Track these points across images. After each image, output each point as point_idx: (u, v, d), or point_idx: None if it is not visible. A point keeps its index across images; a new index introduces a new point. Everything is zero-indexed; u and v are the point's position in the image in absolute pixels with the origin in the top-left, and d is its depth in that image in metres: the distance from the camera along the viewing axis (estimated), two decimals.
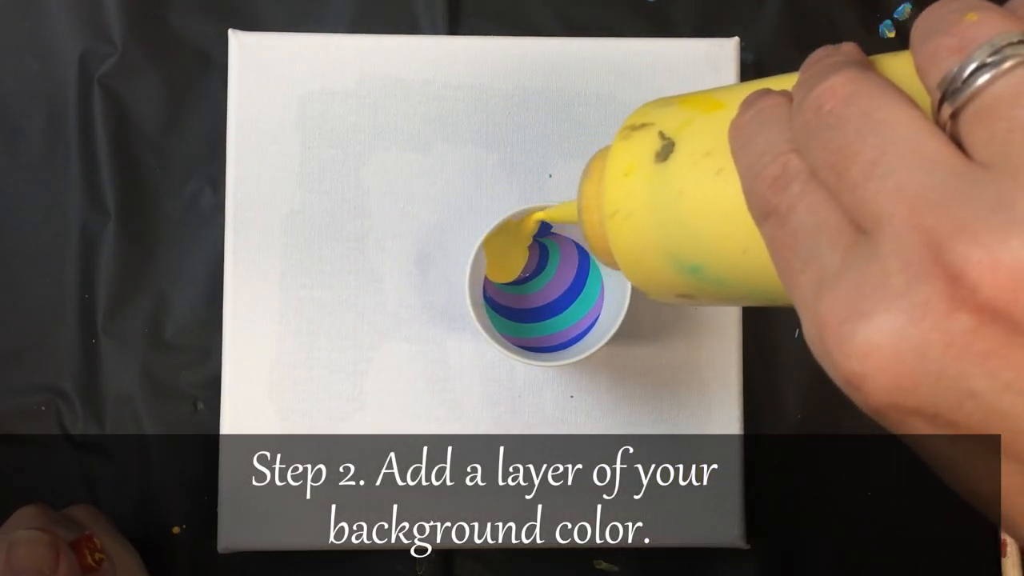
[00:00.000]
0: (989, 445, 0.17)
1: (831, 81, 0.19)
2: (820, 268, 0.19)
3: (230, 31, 0.47)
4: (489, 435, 0.46)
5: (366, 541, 0.46)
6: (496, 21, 0.50)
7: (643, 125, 0.28)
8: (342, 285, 0.46)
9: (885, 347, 0.17)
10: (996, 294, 0.16)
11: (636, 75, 0.47)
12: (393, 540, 0.46)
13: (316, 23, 0.50)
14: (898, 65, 0.21)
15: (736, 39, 0.48)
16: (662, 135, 0.27)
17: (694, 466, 0.47)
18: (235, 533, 0.45)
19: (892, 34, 0.51)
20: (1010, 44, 0.17)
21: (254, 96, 0.47)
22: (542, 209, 0.43)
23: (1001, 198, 0.16)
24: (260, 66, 0.47)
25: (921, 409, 0.18)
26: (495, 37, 0.48)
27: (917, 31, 0.19)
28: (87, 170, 0.48)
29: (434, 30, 0.49)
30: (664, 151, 0.27)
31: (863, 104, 0.19)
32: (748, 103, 0.22)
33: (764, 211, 0.21)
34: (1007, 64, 0.17)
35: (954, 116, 0.18)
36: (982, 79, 0.17)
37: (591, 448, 0.47)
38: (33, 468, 0.48)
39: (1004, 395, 0.17)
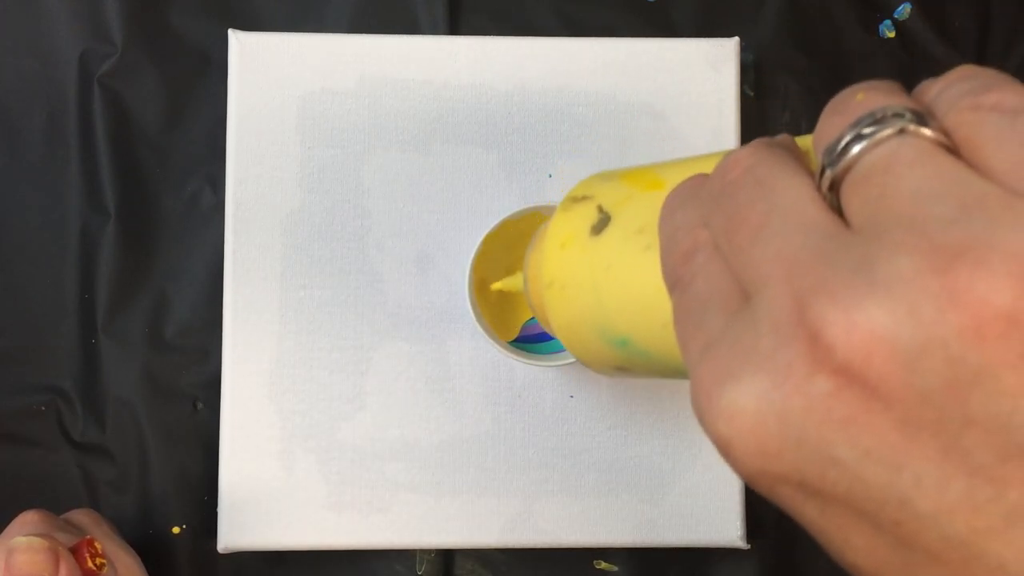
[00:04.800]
0: (859, 516, 0.17)
1: (738, 153, 0.20)
2: (707, 333, 0.19)
3: (230, 31, 0.47)
4: (489, 435, 0.46)
5: (366, 541, 0.46)
6: (496, 21, 0.50)
7: (584, 198, 0.29)
8: (342, 285, 0.46)
9: (749, 410, 0.17)
10: (851, 356, 0.16)
11: (636, 75, 0.47)
12: (393, 540, 0.46)
13: (316, 23, 0.50)
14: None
15: (736, 39, 0.48)
16: (600, 208, 0.28)
17: (694, 466, 0.47)
18: (235, 533, 0.45)
19: (892, 34, 0.51)
20: (886, 118, 0.18)
21: (254, 96, 0.47)
22: (543, 208, 0.43)
23: (864, 260, 0.16)
24: (260, 66, 0.47)
25: (787, 477, 0.17)
26: (495, 37, 0.48)
27: (826, 108, 0.20)
28: (87, 170, 0.48)
29: (434, 30, 0.49)
30: (600, 224, 0.27)
31: (757, 172, 0.19)
32: (679, 184, 0.23)
33: (672, 282, 0.21)
34: (881, 134, 0.17)
35: (833, 185, 0.18)
36: (856, 148, 0.18)
37: (591, 448, 0.47)
38: (33, 468, 0.48)
39: (865, 463, 0.16)
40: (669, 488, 0.47)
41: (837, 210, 0.18)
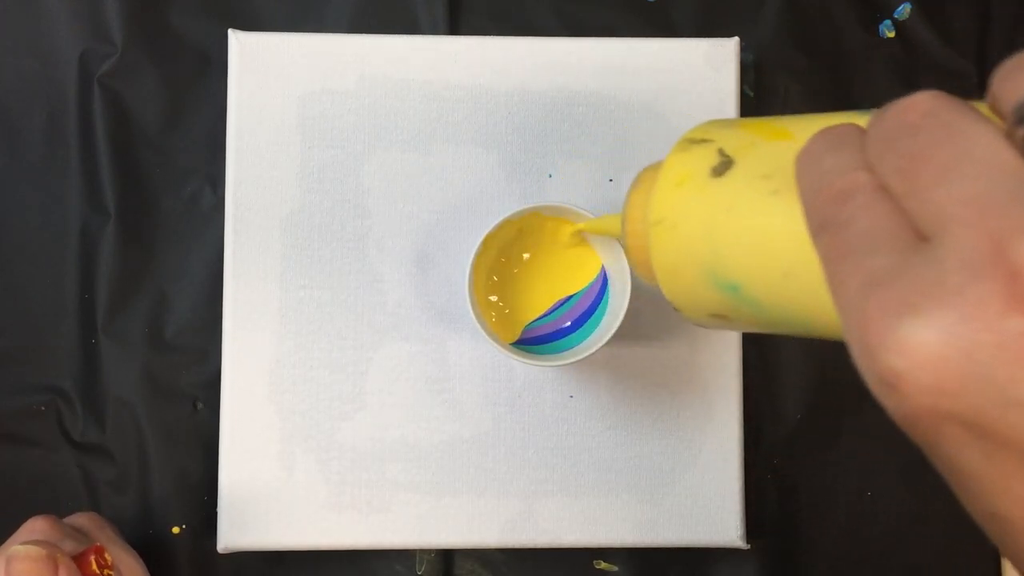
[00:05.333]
0: None
1: (915, 97, 0.20)
2: (873, 270, 0.18)
3: (230, 31, 0.47)
4: (489, 435, 0.46)
5: (366, 541, 0.46)
6: (496, 21, 0.50)
7: (703, 140, 0.28)
8: (342, 285, 0.46)
9: (931, 344, 0.16)
10: None
11: (636, 75, 0.47)
12: (393, 540, 0.46)
13: (316, 23, 0.50)
14: (976, 105, 0.22)
15: (736, 39, 0.48)
16: (722, 152, 0.27)
17: (694, 466, 0.47)
18: (235, 533, 0.45)
19: (892, 34, 0.51)
20: None
21: (254, 96, 0.47)
22: (543, 208, 0.43)
23: None
24: (260, 66, 0.47)
25: (961, 415, 0.17)
26: (495, 37, 0.48)
27: (998, 72, 0.20)
28: (87, 170, 0.48)
29: (434, 30, 0.49)
30: (721, 167, 0.26)
31: (943, 116, 0.19)
32: (822, 130, 0.22)
33: (821, 223, 0.20)
34: None
35: None
36: None
37: (591, 448, 0.47)
38: (33, 468, 0.48)
39: None
40: (669, 488, 0.47)
41: None
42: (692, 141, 0.28)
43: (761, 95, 0.50)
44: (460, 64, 0.47)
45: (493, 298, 0.42)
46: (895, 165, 0.19)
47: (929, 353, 0.16)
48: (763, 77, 0.50)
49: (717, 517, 0.47)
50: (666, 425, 0.47)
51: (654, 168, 0.32)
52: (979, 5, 0.51)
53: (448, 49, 0.47)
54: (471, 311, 0.42)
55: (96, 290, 0.48)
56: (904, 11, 0.51)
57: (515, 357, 0.42)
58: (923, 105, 0.19)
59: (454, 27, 0.50)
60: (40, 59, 0.49)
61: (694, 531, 0.47)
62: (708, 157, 0.27)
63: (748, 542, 0.47)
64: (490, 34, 0.49)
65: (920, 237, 0.18)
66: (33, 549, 0.36)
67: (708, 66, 0.47)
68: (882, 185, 0.20)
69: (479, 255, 0.42)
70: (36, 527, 0.40)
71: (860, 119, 0.24)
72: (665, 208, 0.28)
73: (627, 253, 0.33)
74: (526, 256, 0.45)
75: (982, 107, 0.21)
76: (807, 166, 0.22)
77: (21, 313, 0.48)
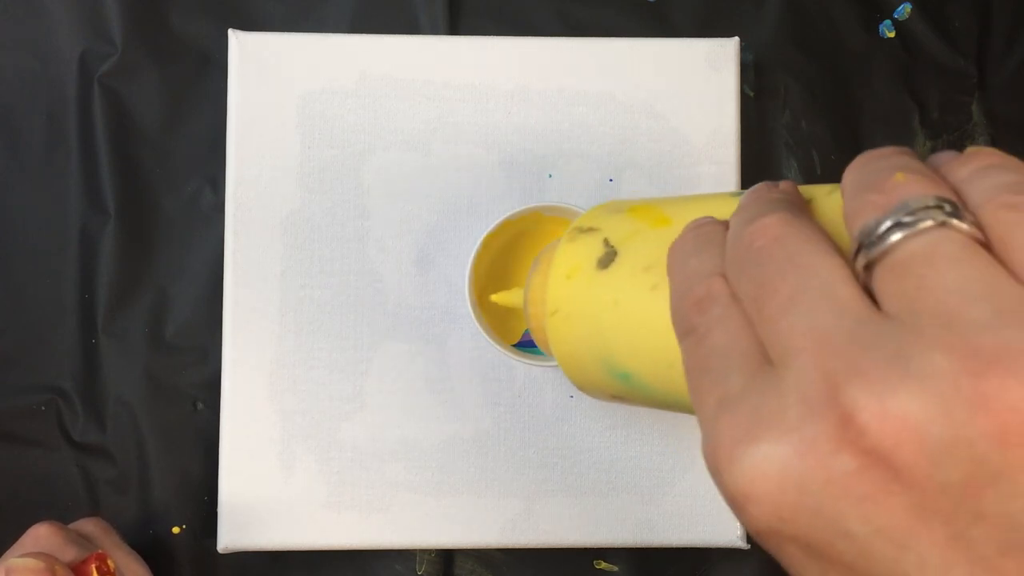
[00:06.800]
0: None
1: (765, 220, 0.21)
2: (725, 389, 0.20)
3: (230, 31, 0.47)
4: (489, 435, 0.46)
5: (366, 541, 0.46)
6: (496, 21, 0.50)
7: (590, 229, 0.29)
8: (342, 285, 0.46)
9: (771, 475, 0.18)
10: (881, 440, 0.16)
11: (636, 75, 0.47)
12: (393, 540, 0.46)
13: (316, 23, 0.50)
14: (830, 206, 0.23)
15: (736, 39, 0.48)
16: (607, 242, 0.28)
17: (694, 466, 0.47)
18: (235, 533, 0.45)
19: (892, 34, 0.51)
20: (926, 207, 0.18)
21: (254, 96, 0.47)
22: (543, 208, 0.43)
23: (900, 350, 0.17)
24: (260, 66, 0.47)
25: (796, 538, 0.18)
26: (495, 37, 0.48)
27: (849, 179, 0.20)
28: (87, 170, 0.48)
29: (434, 30, 0.49)
30: (606, 258, 0.28)
31: (789, 246, 0.20)
32: (691, 226, 0.24)
33: (685, 329, 0.22)
34: (923, 225, 0.18)
35: (868, 267, 0.19)
36: (896, 236, 0.18)
37: (591, 448, 0.47)
38: (33, 468, 0.48)
39: (876, 539, 0.17)
40: (669, 488, 0.47)
41: (866, 289, 0.19)
42: (580, 230, 0.30)
43: (761, 95, 0.50)
44: (460, 64, 0.47)
45: (494, 300, 0.42)
46: (746, 290, 0.20)
47: (767, 482, 0.18)
48: (763, 77, 0.50)
49: (717, 517, 0.47)
50: (666, 425, 0.47)
51: (551, 251, 0.33)
52: (979, 5, 0.51)
53: (448, 49, 0.47)
54: (471, 311, 0.42)
55: (96, 290, 0.48)
56: (904, 11, 0.51)
57: (515, 357, 0.42)
58: (772, 231, 0.20)
59: (454, 27, 0.50)
60: (40, 59, 0.49)
61: (694, 531, 0.47)
62: (595, 248, 0.28)
63: (748, 542, 0.47)
64: (490, 34, 0.49)
65: (768, 360, 0.19)
66: (31, 561, 0.36)
67: (708, 66, 0.47)
68: (737, 299, 0.21)
69: (479, 255, 0.42)
70: (39, 534, 0.40)
71: (731, 203, 0.25)
72: (559, 300, 0.29)
73: (532, 333, 0.35)
74: (526, 256, 0.45)
75: (836, 198, 0.22)
76: (674, 265, 0.23)
77: (21, 313, 0.48)
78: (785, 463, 0.18)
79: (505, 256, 0.45)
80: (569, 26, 0.50)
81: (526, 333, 0.45)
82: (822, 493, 0.17)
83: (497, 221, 0.42)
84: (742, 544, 0.47)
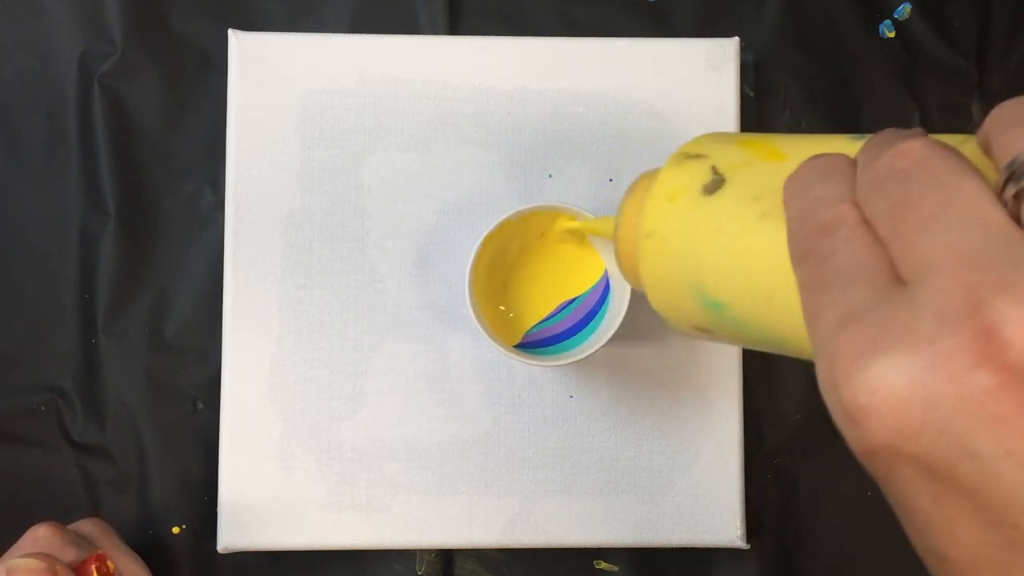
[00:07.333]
0: (976, 511, 0.17)
1: (908, 144, 0.20)
2: (848, 305, 0.19)
3: (230, 31, 0.47)
4: (489, 435, 0.46)
5: (366, 541, 0.46)
6: (496, 21, 0.50)
7: (698, 155, 0.28)
8: (342, 285, 0.46)
9: (896, 387, 0.17)
10: None
11: (636, 75, 0.47)
12: (393, 540, 0.46)
13: (316, 23, 0.50)
14: (965, 148, 0.22)
15: (736, 39, 0.48)
16: (714, 169, 0.27)
17: (694, 466, 0.47)
18: (235, 533, 0.45)
19: (892, 34, 0.51)
20: None
21: (254, 96, 0.47)
22: (542, 208, 0.43)
23: None
24: (260, 66, 0.47)
25: (916, 458, 0.17)
26: (495, 37, 0.48)
27: (996, 118, 0.20)
28: (87, 170, 0.48)
29: (434, 30, 0.49)
30: (713, 185, 0.27)
31: (933, 166, 0.19)
32: (812, 158, 0.23)
33: (805, 252, 0.21)
34: None
35: (1017, 197, 0.18)
36: None
37: (591, 448, 0.47)
38: (33, 468, 0.48)
39: (1005, 463, 0.16)
40: (669, 488, 0.47)
41: (1015, 219, 0.18)
42: (687, 155, 0.29)
43: (761, 95, 0.50)
44: (460, 64, 0.47)
45: (496, 303, 0.42)
46: (882, 209, 0.20)
47: (893, 396, 0.17)
48: (763, 77, 0.50)
49: (717, 517, 0.47)
50: (666, 425, 0.47)
51: (649, 176, 0.32)
52: (979, 5, 0.51)
53: (448, 49, 0.47)
54: (471, 311, 0.42)
55: (96, 290, 0.48)
56: (904, 11, 0.51)
57: (515, 357, 0.42)
58: (916, 153, 0.20)
59: (454, 27, 0.50)
60: (40, 59, 0.49)
61: (694, 531, 0.47)
62: (701, 174, 0.27)
63: (748, 542, 0.47)
64: (490, 34, 0.49)
65: (899, 280, 0.19)
66: (32, 562, 0.36)
67: (708, 66, 0.47)
68: (866, 221, 0.20)
69: (479, 255, 0.42)
70: (39, 534, 0.40)
71: (853, 145, 0.24)
72: (656, 221, 0.28)
73: (617, 259, 0.33)
74: (526, 257, 0.45)
75: (972, 146, 0.21)
76: (795, 193, 0.22)
77: (21, 313, 0.48)
78: (913, 376, 0.17)
79: (505, 256, 0.45)
80: (569, 26, 0.50)
81: (526, 333, 0.45)
82: (952, 409, 0.16)
83: (497, 221, 0.42)
84: (742, 544, 0.47)
